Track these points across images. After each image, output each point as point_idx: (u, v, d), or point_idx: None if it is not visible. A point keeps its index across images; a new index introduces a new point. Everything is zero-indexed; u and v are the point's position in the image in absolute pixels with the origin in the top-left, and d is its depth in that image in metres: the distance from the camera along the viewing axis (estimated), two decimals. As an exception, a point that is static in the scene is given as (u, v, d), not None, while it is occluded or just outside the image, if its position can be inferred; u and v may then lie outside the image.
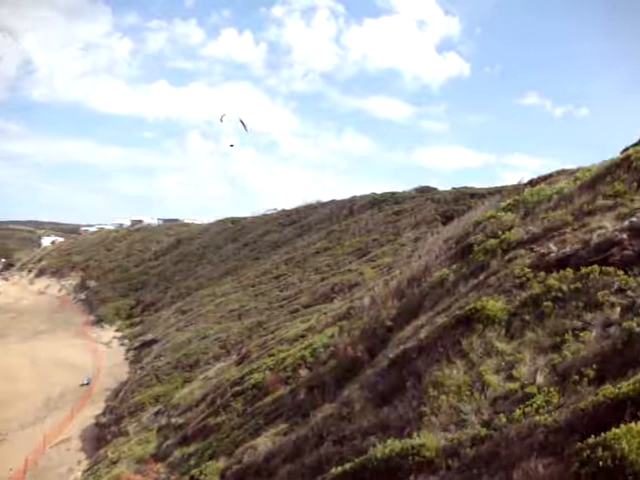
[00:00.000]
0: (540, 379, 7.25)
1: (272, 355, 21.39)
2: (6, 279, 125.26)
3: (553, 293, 8.85)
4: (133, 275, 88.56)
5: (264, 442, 12.26)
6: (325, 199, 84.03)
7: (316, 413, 11.89)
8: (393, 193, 67.88)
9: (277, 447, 11.64)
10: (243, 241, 78.23)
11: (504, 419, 6.78)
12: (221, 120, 26.21)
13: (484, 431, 6.81)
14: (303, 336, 22.68)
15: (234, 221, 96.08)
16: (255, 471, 11.25)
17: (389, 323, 13.64)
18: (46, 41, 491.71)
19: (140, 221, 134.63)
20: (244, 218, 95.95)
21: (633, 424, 4.98)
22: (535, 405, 6.68)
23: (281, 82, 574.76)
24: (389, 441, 7.54)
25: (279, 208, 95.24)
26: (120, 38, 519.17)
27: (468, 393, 7.78)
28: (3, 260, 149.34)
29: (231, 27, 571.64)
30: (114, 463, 20.52)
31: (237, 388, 19.44)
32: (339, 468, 8.04)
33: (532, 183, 19.69)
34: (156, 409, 27.26)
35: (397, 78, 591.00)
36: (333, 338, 17.98)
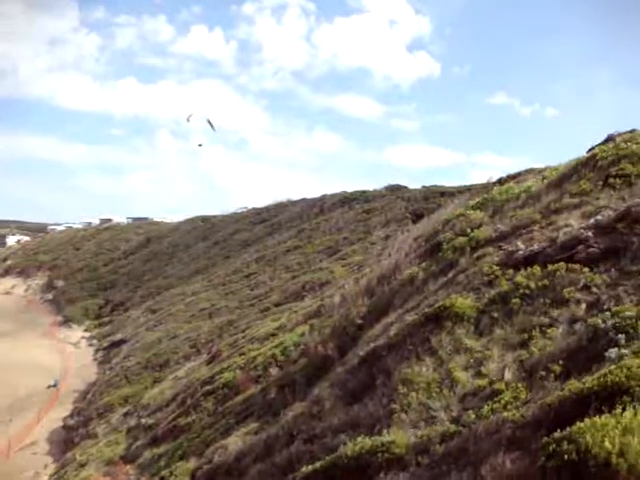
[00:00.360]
0: (508, 375, 7.35)
1: (243, 354, 21.30)
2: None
3: (521, 290, 8.97)
4: (102, 274, 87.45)
5: (235, 441, 12.21)
6: (296, 197, 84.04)
7: (287, 412, 11.88)
8: (363, 191, 68.09)
9: (248, 446, 11.60)
10: (213, 240, 77.78)
11: (473, 415, 6.85)
12: (188, 120, 27.11)
13: (453, 427, 6.87)
14: (274, 335, 22.63)
15: (204, 219, 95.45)
16: (226, 471, 11.20)
17: (359, 321, 13.68)
18: (8, 35, 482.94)
19: (109, 220, 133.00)
20: (214, 216, 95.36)
21: (597, 418, 5.07)
22: (503, 401, 6.76)
23: (251, 80, 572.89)
24: (359, 439, 7.56)
25: (249, 206, 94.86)
26: (87, 34, 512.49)
27: (437, 390, 7.84)
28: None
29: (201, 24, 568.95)
30: (82, 466, 20.25)
31: (207, 387, 19.31)
32: (310, 467, 8.04)
33: (501, 182, 19.91)
34: (125, 410, 26.98)
35: (367, 77, 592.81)
36: (304, 336, 17.98)
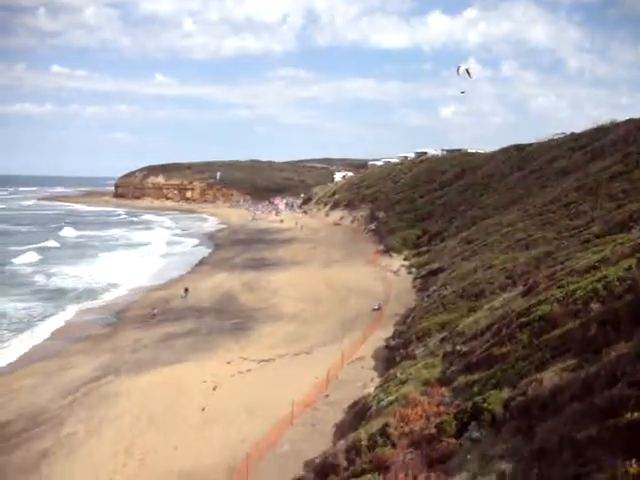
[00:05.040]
0: None
1: (561, 287, 20.19)
2: (305, 212, 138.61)
3: None
4: (419, 206, 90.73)
5: (550, 377, 11.75)
6: (620, 119, 75.46)
7: (609, 351, 11.01)
8: None
9: (564, 383, 11.08)
10: (529, 168, 74.63)
11: None
12: (458, 72, 35.24)
13: None
14: (595, 268, 20.97)
15: (519, 148, 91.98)
16: (540, 405, 10.88)
17: (700, 255, 11.90)
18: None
19: (424, 153, 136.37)
20: (529, 145, 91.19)
21: None
22: None
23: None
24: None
25: (567, 132, 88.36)
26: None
27: None
28: (302, 195, 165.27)
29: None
30: (402, 383, 21.54)
31: (523, 319, 18.81)
32: (635, 414, 7.34)
33: None
34: (441, 336, 27.77)
35: None
36: (630, 271, 16.35)
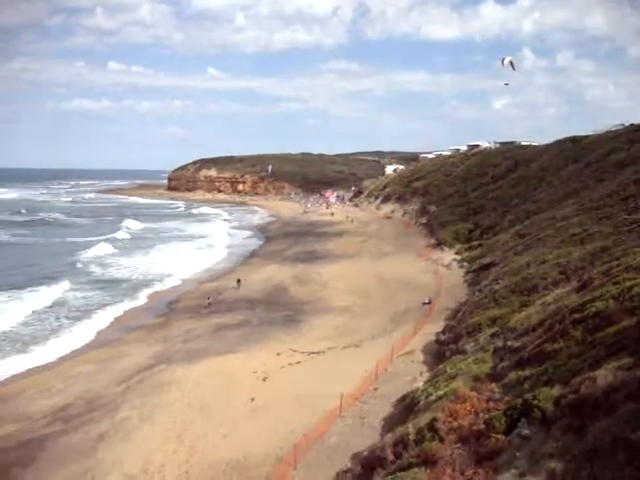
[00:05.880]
0: None
1: (617, 283, 19.64)
2: (356, 205, 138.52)
3: None
4: (471, 199, 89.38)
5: (604, 375, 11.45)
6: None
7: (666, 350, 10.70)
8: None
9: (619, 382, 10.80)
10: (585, 161, 72.56)
11: None
12: (502, 64, 37.44)
13: None
14: (654, 264, 20.40)
15: (574, 140, 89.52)
16: (593, 403, 10.64)
17: None
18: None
19: (477, 145, 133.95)
20: (586, 137, 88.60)
21: None
22: None
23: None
24: None
25: (626, 123, 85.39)
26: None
27: None
28: (353, 188, 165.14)
29: None
30: (452, 378, 21.31)
31: (576, 316, 18.37)
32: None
33: None
34: (492, 331, 27.32)
35: None
36: (692, 267, 15.80)
